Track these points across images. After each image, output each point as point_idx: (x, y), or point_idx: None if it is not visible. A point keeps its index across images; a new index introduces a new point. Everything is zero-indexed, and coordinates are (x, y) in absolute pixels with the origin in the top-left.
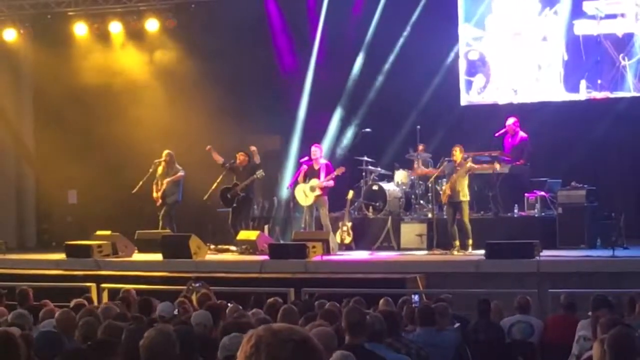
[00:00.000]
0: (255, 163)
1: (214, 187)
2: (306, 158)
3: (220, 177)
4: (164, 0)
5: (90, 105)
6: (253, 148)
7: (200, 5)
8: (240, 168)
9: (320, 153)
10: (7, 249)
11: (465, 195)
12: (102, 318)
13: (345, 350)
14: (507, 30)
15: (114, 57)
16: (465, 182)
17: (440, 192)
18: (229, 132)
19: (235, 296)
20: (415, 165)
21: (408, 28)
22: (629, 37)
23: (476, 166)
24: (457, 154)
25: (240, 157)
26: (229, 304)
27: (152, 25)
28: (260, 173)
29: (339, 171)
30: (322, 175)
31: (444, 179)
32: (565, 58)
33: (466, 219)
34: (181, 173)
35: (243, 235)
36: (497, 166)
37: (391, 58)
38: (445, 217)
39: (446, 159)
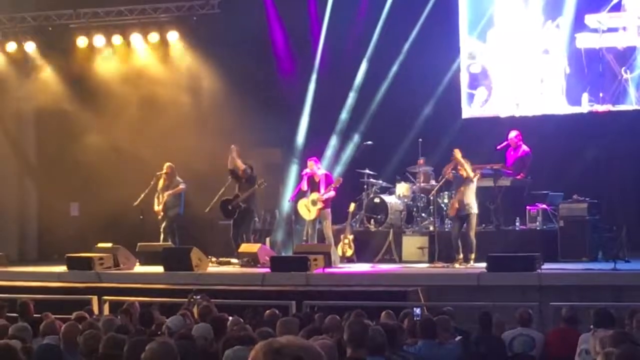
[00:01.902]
0: (253, 175)
1: (215, 199)
2: (307, 170)
3: (222, 189)
4: (165, 13)
5: (92, 117)
6: (233, 147)
7: (202, 18)
8: (242, 179)
9: (317, 166)
10: (8, 261)
11: (472, 208)
12: (103, 330)
13: None
14: (509, 43)
15: (115, 69)
16: (473, 194)
17: (442, 205)
18: (229, 144)
19: (236, 309)
20: (418, 182)
21: (410, 41)
22: (631, 50)
23: (462, 173)
24: (458, 155)
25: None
26: (229, 318)
27: (153, 37)
28: (262, 183)
29: (337, 182)
30: (322, 187)
31: (446, 192)
32: (567, 71)
33: (472, 233)
34: (181, 186)
35: (244, 247)
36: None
37: (393, 70)
38: (447, 230)
39: (452, 171)
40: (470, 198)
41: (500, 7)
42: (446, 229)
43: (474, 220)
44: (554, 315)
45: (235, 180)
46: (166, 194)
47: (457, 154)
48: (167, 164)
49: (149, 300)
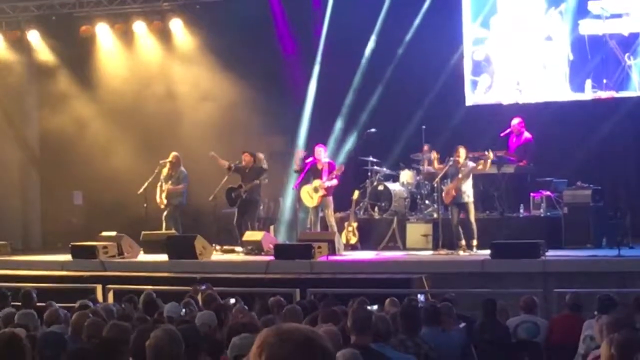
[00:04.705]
0: (261, 167)
1: (218, 188)
2: (311, 158)
3: (226, 177)
4: (169, 2)
5: (95, 106)
6: (260, 155)
7: (205, 6)
8: (246, 169)
9: (324, 153)
10: (12, 250)
11: (469, 196)
12: (106, 318)
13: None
14: (513, 30)
15: (119, 57)
16: (469, 183)
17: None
18: (234, 132)
19: (240, 297)
20: (423, 167)
21: (413, 28)
22: (635, 36)
23: (479, 167)
24: (462, 154)
25: (246, 157)
26: (231, 300)
27: (156, 26)
28: (264, 179)
29: (339, 170)
30: (325, 174)
31: (449, 179)
32: (571, 58)
33: (472, 219)
34: (181, 185)
35: (248, 235)
36: (490, 154)
37: (396, 58)
38: (450, 217)
39: (451, 158)
40: (467, 186)
41: None
42: (450, 216)
43: (472, 207)
44: (558, 301)
45: (238, 173)
46: (166, 187)
47: (463, 153)
48: (173, 153)
49: (153, 289)
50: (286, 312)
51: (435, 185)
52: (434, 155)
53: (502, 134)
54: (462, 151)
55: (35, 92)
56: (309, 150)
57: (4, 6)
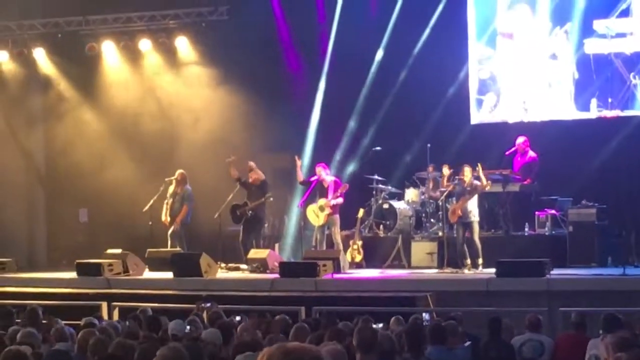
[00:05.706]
0: (265, 182)
1: (224, 205)
2: (316, 177)
3: (231, 195)
4: (174, 20)
5: (101, 124)
6: (251, 163)
7: (211, 25)
8: (252, 187)
9: (325, 172)
10: (17, 267)
11: (475, 215)
12: (113, 335)
13: None
14: (518, 49)
15: (124, 75)
16: (474, 202)
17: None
18: (239, 149)
19: (246, 314)
20: (428, 188)
21: (419, 47)
22: (639, 55)
23: (479, 184)
24: (468, 174)
25: (253, 175)
26: (236, 317)
27: (162, 44)
28: (269, 197)
29: (343, 189)
30: (331, 193)
31: (454, 198)
32: (576, 76)
33: (476, 238)
34: (186, 206)
35: (253, 253)
36: (488, 185)
37: (402, 76)
38: (455, 235)
39: (457, 177)
40: (473, 205)
41: (509, 14)
42: (455, 235)
43: (476, 226)
44: (563, 320)
45: (244, 188)
46: (171, 201)
47: (468, 172)
48: (179, 170)
49: (158, 306)
50: (295, 331)
51: (440, 203)
52: (446, 171)
53: (507, 153)
54: (467, 170)
55: (41, 110)
56: (311, 169)
57: (9, 24)
